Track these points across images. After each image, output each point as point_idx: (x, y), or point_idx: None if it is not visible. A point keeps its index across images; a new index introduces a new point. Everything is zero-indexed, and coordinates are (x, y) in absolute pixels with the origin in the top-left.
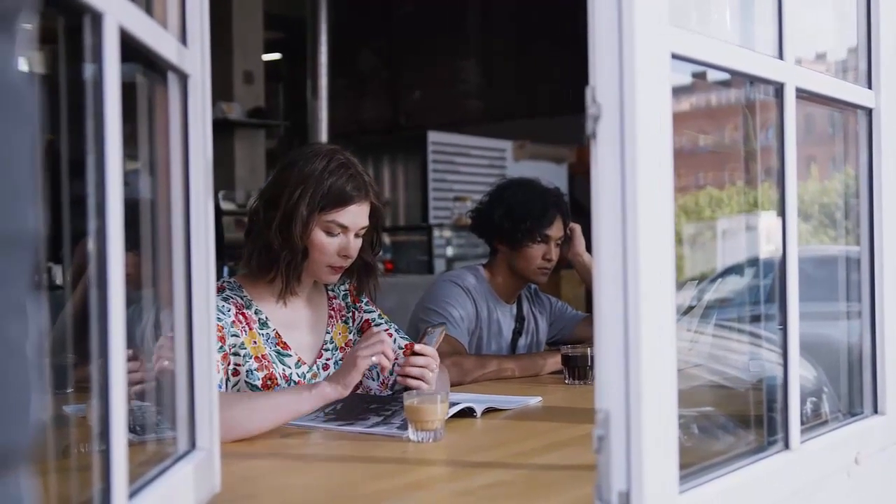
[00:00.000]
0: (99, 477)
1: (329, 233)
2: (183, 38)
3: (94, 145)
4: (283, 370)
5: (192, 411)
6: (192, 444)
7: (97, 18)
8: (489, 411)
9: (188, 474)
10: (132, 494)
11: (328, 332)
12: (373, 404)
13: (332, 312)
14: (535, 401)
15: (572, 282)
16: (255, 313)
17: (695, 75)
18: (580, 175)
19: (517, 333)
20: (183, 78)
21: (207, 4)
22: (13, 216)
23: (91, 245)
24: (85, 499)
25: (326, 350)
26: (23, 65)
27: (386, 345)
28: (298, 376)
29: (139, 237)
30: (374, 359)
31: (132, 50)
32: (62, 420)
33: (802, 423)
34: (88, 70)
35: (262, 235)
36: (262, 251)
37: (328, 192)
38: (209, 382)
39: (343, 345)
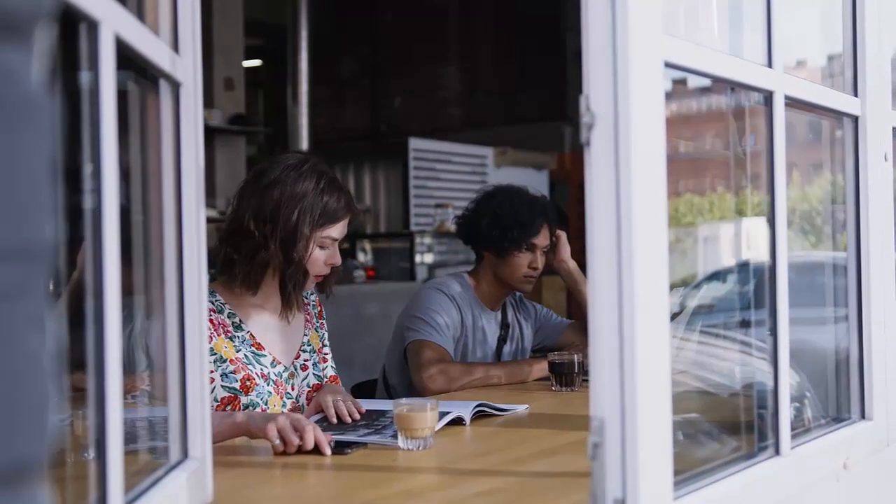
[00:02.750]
0: (94, 487)
1: (322, 247)
2: (175, 46)
3: (90, 153)
4: (261, 370)
5: (184, 421)
6: (185, 454)
7: (93, 26)
8: (480, 416)
9: (181, 484)
10: None
11: (305, 335)
12: (362, 420)
13: (308, 317)
14: (522, 408)
15: (553, 288)
16: (229, 317)
17: (675, 81)
18: (560, 181)
19: (502, 340)
20: (175, 86)
21: (199, 12)
22: (31, 228)
23: (87, 254)
24: None
25: (304, 351)
26: (39, 75)
27: (305, 439)
28: (276, 375)
29: (131, 245)
30: (276, 442)
31: (125, 57)
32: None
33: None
34: (84, 77)
35: (258, 254)
36: (259, 268)
37: (324, 210)
38: (201, 392)
39: (317, 349)
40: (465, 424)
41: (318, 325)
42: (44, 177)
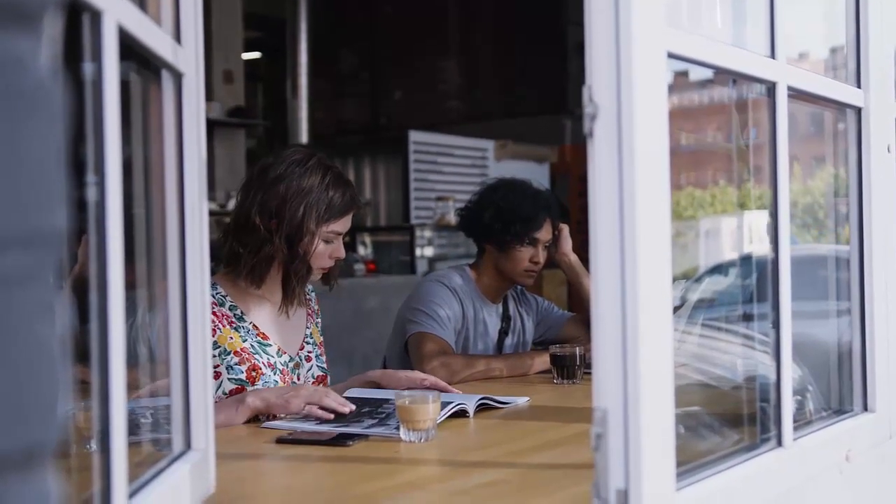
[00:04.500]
0: (98, 477)
1: (327, 241)
2: (177, 37)
3: (93, 144)
4: (267, 359)
5: (187, 412)
6: (188, 445)
7: (96, 16)
8: (482, 409)
9: (184, 475)
10: (131, 495)
11: (308, 328)
12: (365, 407)
13: (310, 311)
14: (523, 401)
15: (554, 282)
16: (230, 309)
17: (677, 74)
18: (561, 175)
19: (504, 333)
20: (177, 77)
21: (201, 2)
22: (42, 215)
23: (90, 246)
24: (83, 499)
25: (308, 343)
26: (49, 61)
27: (328, 401)
28: (282, 364)
29: (132, 237)
30: (306, 410)
31: (127, 48)
32: None
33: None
34: (87, 68)
35: (264, 247)
36: (264, 262)
37: (330, 204)
38: (204, 383)
39: (318, 342)
40: (468, 416)
41: (317, 321)
42: (54, 164)
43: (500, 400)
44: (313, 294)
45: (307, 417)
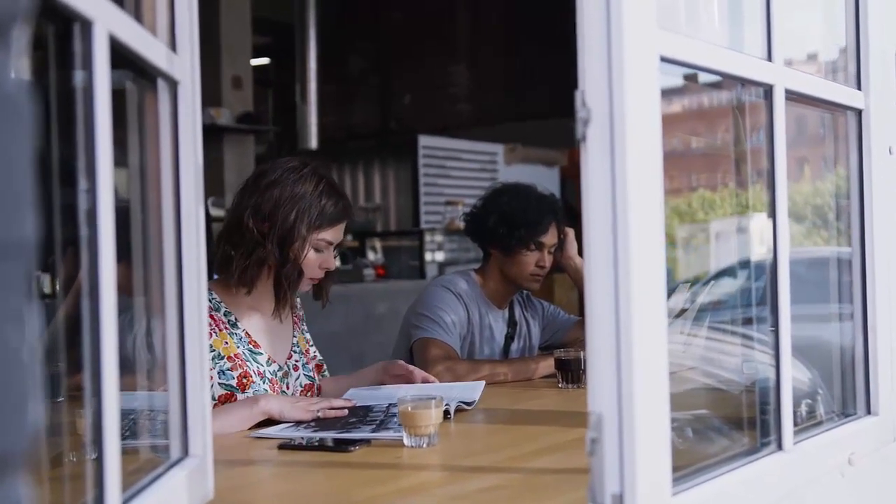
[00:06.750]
0: (92, 485)
1: (317, 249)
2: (172, 45)
3: (84, 153)
4: (257, 367)
5: (184, 418)
6: (185, 451)
7: (87, 26)
8: (459, 411)
9: (181, 481)
10: (126, 501)
11: (294, 337)
12: (352, 418)
13: (296, 320)
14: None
15: (565, 285)
16: (225, 315)
17: (686, 77)
18: (571, 178)
19: (510, 338)
20: (173, 85)
21: (196, 11)
22: (12, 223)
23: (82, 254)
24: None
25: (295, 352)
26: (18, 73)
27: (335, 403)
28: (271, 373)
29: (130, 246)
30: (319, 414)
31: (121, 57)
32: (52, 429)
33: (797, 424)
34: (78, 77)
35: (255, 251)
36: (256, 266)
37: (322, 212)
38: (202, 390)
39: (304, 350)
40: (450, 419)
41: (303, 328)
42: (24, 174)
43: (467, 401)
44: (298, 299)
45: (297, 426)
